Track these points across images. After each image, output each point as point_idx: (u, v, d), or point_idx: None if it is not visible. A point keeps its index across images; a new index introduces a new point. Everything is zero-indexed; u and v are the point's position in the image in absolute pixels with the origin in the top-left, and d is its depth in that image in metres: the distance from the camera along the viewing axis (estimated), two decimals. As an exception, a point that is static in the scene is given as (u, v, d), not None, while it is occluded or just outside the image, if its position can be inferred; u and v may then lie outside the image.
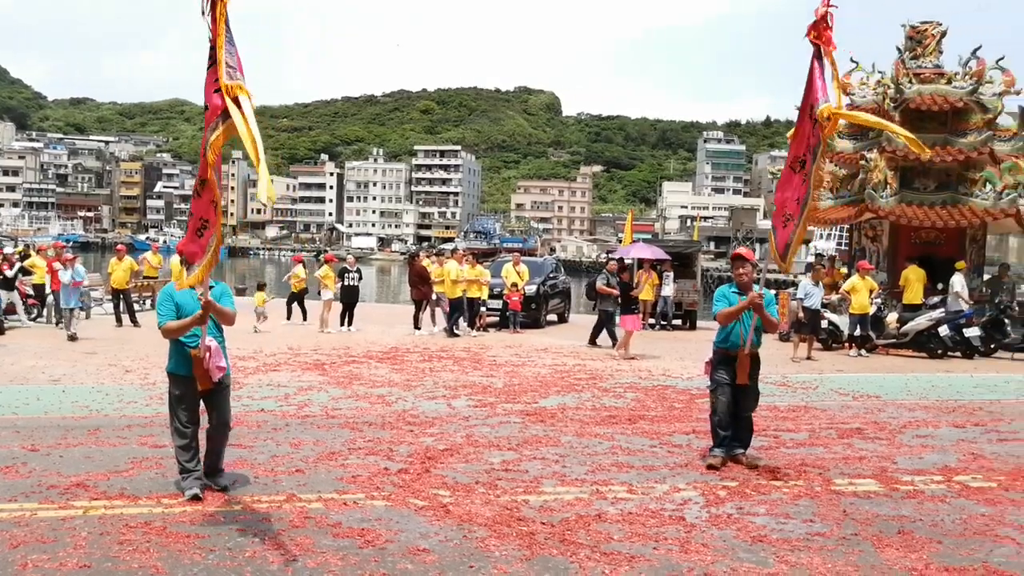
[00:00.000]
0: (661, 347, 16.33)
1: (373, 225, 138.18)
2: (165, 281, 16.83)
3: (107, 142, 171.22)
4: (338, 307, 18.44)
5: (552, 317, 21.72)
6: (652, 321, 20.42)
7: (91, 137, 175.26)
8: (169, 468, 6.23)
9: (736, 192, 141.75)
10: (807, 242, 71.66)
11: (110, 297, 18.94)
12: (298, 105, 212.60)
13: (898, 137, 6.78)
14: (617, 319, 15.53)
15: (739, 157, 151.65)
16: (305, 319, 19.17)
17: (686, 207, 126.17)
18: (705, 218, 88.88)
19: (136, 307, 19.05)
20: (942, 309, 16.31)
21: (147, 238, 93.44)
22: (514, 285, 18.66)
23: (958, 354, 15.98)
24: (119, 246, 19.95)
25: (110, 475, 6.24)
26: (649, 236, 65.25)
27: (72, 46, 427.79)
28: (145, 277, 20.92)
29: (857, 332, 15.96)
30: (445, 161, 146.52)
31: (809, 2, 6.90)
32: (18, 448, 7.01)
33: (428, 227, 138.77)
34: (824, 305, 16.26)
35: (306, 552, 4.79)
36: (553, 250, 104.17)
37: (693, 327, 21.29)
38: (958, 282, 16.61)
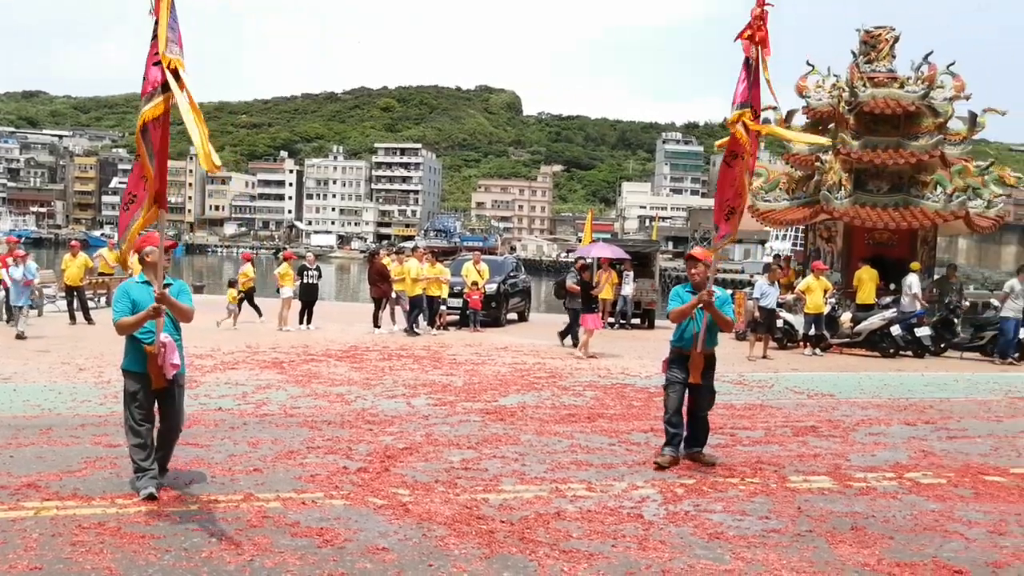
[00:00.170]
0: (620, 346, 16.45)
1: (333, 223, 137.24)
2: (121, 279, 16.58)
3: (61, 136, 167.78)
4: (297, 305, 18.30)
5: (512, 316, 21.77)
6: (612, 320, 20.56)
7: (44, 131, 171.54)
8: (124, 468, 6.14)
9: (694, 193, 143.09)
10: (762, 242, 72.82)
11: (63, 294, 18.58)
12: (258, 101, 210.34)
13: (792, 143, 7.08)
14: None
15: (697, 158, 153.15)
16: (260, 316, 19.00)
17: (645, 207, 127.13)
18: (664, 218, 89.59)
19: (91, 304, 18.72)
20: (894, 309, 16.64)
21: (102, 234, 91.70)
22: (474, 284, 18.66)
23: (909, 353, 16.32)
24: (73, 242, 19.57)
25: (62, 475, 6.13)
26: (609, 236, 65.59)
27: (23, 38, 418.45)
28: (100, 274, 20.54)
29: (812, 331, 16.23)
30: (405, 159, 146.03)
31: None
32: (-34, 448, 6.85)
33: (388, 225, 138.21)
34: (779, 305, 16.50)
35: (264, 552, 4.75)
36: (513, 249, 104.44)
37: (651, 326, 21.48)
38: (915, 283, 16.93)
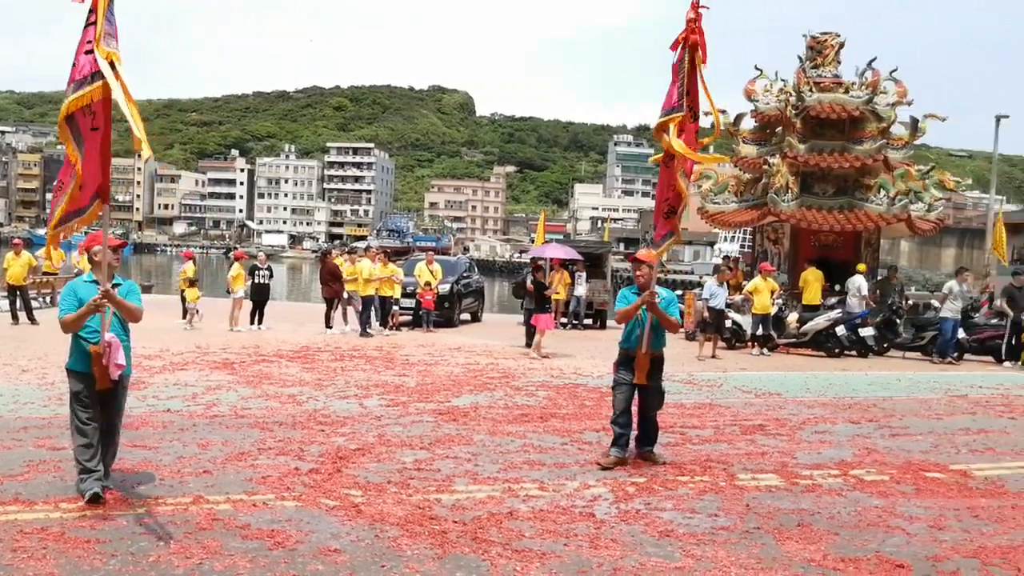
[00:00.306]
0: (573, 346, 16.55)
1: (284, 222, 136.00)
2: (68, 278, 16.21)
3: (3, 132, 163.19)
4: (248, 305, 18.07)
5: (465, 316, 21.77)
6: (564, 320, 20.67)
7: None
8: (68, 471, 6.01)
9: (645, 195, 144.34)
10: (711, 244, 73.80)
11: (5, 294, 18.10)
12: (208, 99, 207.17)
13: (680, 160, 7.13)
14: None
15: (648, 160, 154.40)
16: (198, 317, 18.72)
17: (597, 208, 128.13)
18: (615, 220, 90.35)
19: (35, 304, 18.26)
20: (839, 310, 16.99)
21: (46, 232, 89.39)
22: (427, 284, 18.63)
23: (854, 353, 16.68)
24: (16, 240, 19.04)
25: (3, 479, 5.98)
26: (561, 236, 65.93)
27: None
28: (44, 273, 20.06)
29: (759, 331, 16.50)
30: (358, 159, 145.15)
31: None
32: (-98, 453, 6.65)
33: (340, 225, 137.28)
34: (728, 305, 16.74)
35: (213, 555, 4.69)
36: (467, 249, 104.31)
37: (603, 326, 21.63)
38: (864, 285, 17.28)
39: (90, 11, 5.27)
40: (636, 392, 7.17)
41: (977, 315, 17.75)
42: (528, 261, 23.53)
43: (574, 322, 21.03)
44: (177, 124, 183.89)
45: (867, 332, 16.71)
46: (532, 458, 7.21)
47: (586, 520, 5.57)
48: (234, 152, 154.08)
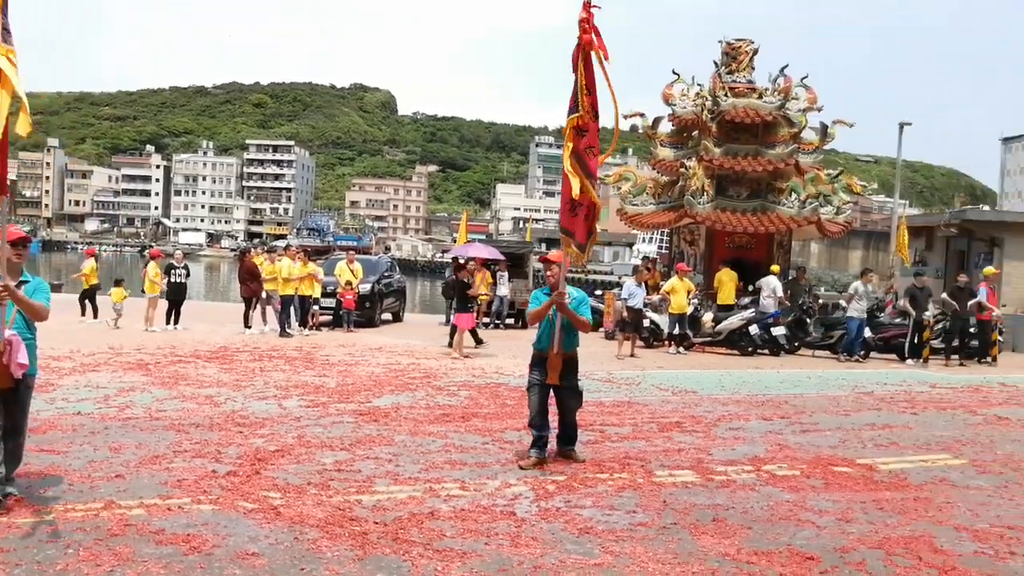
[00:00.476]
0: (495, 345, 16.61)
1: (202, 220, 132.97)
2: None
3: None
4: (164, 305, 17.60)
5: (387, 316, 21.63)
6: (487, 320, 20.73)
7: None
8: (-31, 478, 5.77)
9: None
10: (630, 245, 74.95)
11: None
12: (122, 93, 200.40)
13: (573, 176, 7.21)
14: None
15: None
16: (96, 317, 18.18)
17: (519, 209, 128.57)
18: (537, 220, 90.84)
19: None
20: (753, 310, 17.47)
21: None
22: (348, 283, 18.45)
23: (766, 351, 17.17)
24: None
25: (-101, 488, 5.70)
26: (484, 236, 66.04)
27: None
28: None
29: (676, 331, 16.84)
30: (278, 156, 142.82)
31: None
32: None
33: (260, 223, 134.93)
34: (646, 305, 17.03)
35: (125, 562, 4.56)
36: (388, 248, 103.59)
37: (525, 326, 21.73)
38: (778, 286, 17.75)
39: None
40: (552, 392, 7.24)
41: (882, 315, 18.46)
42: (450, 261, 23.53)
43: (496, 322, 21.10)
44: (89, 118, 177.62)
45: (779, 331, 17.21)
46: (453, 458, 7.22)
47: (507, 519, 5.61)
48: (150, 148, 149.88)
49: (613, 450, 7.77)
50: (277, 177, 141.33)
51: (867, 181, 21.81)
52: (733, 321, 17.19)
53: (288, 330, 17.04)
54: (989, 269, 18.33)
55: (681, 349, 16.79)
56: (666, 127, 21.28)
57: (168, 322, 17.35)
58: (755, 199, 19.45)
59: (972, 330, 17.04)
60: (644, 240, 66.61)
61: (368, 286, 19.56)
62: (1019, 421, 10.23)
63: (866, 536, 5.54)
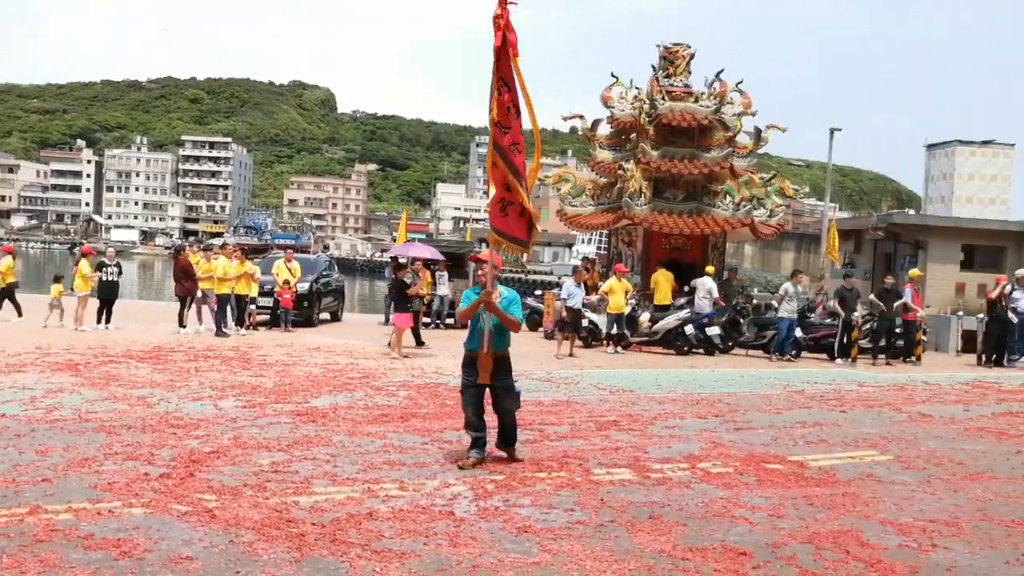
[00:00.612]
0: (434, 345, 16.56)
1: (135, 217, 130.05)
2: None
3: None
4: (95, 303, 17.14)
5: (325, 316, 21.42)
6: (427, 320, 20.64)
7: None
8: None
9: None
10: (570, 246, 75.48)
11: None
12: (52, 86, 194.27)
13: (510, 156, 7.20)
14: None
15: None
16: (20, 315, 17.63)
17: (459, 208, 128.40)
18: (477, 220, 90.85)
19: None
20: (688, 310, 17.75)
21: None
22: (286, 282, 18.23)
23: (701, 351, 17.47)
24: None
25: None
26: (424, 236, 65.79)
27: None
28: None
29: (614, 330, 17.03)
30: (215, 153, 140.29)
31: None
32: None
33: (196, 221, 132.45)
34: (585, 305, 17.18)
35: (51, 568, 4.44)
36: (327, 247, 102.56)
37: (465, 326, 21.71)
38: (713, 287, 18.04)
39: None
40: (487, 392, 7.25)
41: (813, 315, 18.94)
42: (389, 260, 23.41)
43: (436, 322, 21.05)
44: (16, 111, 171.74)
45: (713, 331, 17.52)
46: (392, 458, 7.20)
47: (446, 519, 5.61)
48: (80, 142, 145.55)
49: (552, 449, 7.83)
50: (214, 174, 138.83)
51: (799, 185, 22.33)
52: (669, 321, 17.44)
53: (224, 330, 16.78)
54: (914, 271, 18.96)
55: (619, 349, 16.98)
56: (605, 129, 21.49)
57: (99, 321, 16.92)
58: (691, 201, 19.77)
59: (898, 330, 17.60)
60: (583, 241, 67.23)
61: (306, 285, 19.36)
62: (941, 418, 10.60)
63: (797, 531, 5.68)
